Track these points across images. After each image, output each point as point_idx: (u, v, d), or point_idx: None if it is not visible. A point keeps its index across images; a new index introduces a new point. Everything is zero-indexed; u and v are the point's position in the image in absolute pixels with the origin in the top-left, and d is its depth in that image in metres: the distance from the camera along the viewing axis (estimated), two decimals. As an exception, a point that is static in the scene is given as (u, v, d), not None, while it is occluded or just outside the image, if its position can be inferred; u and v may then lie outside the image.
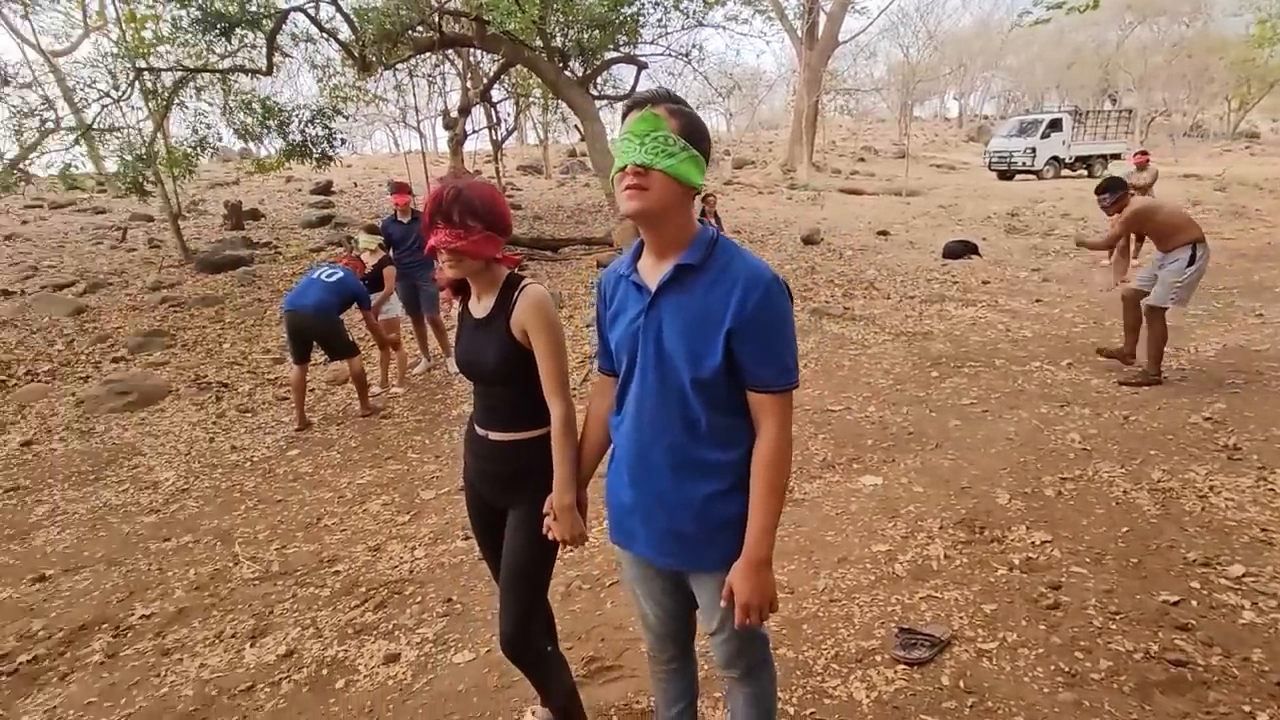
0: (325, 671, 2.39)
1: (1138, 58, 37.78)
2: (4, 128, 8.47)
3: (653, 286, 1.28)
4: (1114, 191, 4.74)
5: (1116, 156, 22.37)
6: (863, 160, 26.57)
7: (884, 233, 11.72)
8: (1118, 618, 2.31)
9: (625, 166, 1.21)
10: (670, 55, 12.27)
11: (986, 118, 47.87)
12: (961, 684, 2.06)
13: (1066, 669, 2.10)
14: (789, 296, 1.26)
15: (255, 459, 4.58)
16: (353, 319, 5.88)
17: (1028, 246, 10.53)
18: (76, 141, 8.68)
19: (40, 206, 12.84)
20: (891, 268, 9.16)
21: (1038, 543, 2.82)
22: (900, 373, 5.22)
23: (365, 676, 2.34)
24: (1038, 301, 7.20)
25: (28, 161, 8.75)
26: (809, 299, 7.58)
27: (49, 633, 2.76)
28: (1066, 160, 22.19)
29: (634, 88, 12.25)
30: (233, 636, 2.65)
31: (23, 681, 2.50)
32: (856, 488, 3.46)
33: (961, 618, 2.37)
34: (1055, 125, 21.89)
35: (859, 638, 2.31)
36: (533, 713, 1.96)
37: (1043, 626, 2.30)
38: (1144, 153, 9.54)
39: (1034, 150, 21.59)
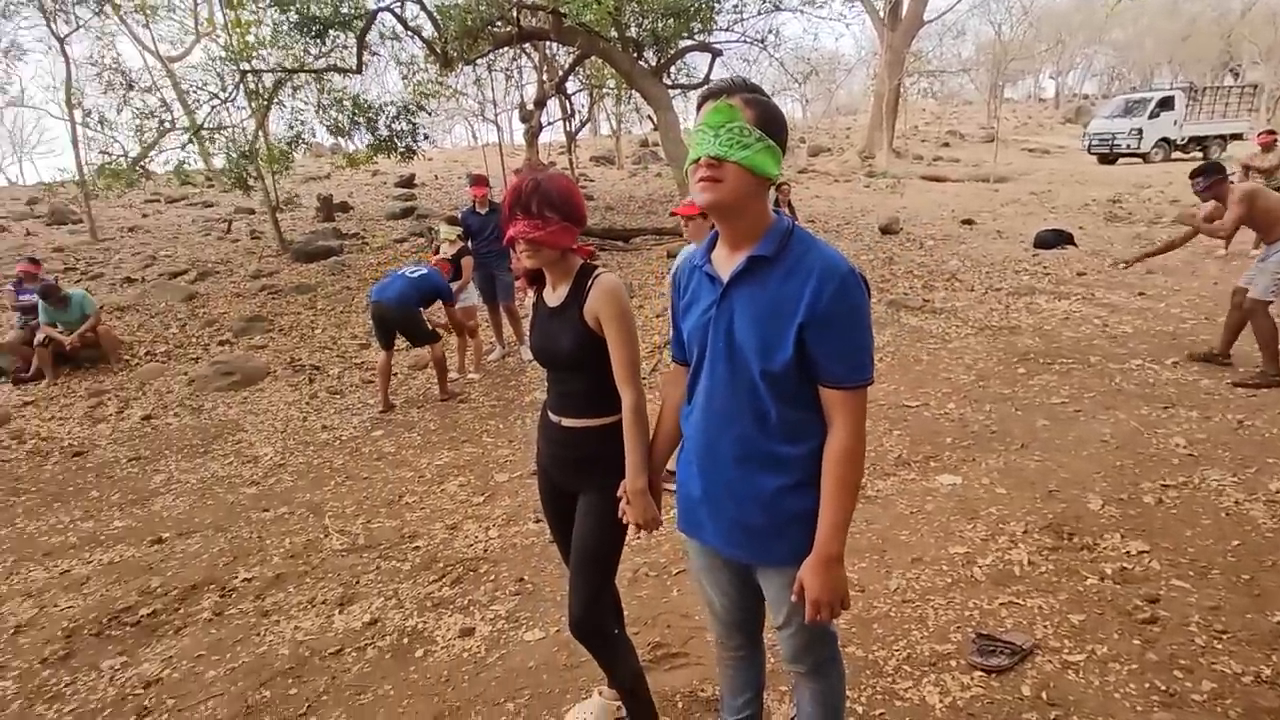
0: (406, 641, 2.52)
1: (1266, 26, 34.20)
2: (128, 128, 9.28)
3: (725, 278, 1.28)
4: (1209, 175, 4.37)
5: (1238, 137, 20.39)
6: (947, 145, 25.31)
7: (969, 221, 11.16)
8: (1224, 637, 2.14)
9: (699, 158, 1.21)
10: (745, 41, 12.04)
11: (1086, 97, 44.53)
12: (1044, 695, 1.97)
13: (1163, 688, 1.96)
14: (866, 290, 1.23)
15: (343, 438, 4.87)
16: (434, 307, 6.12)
17: (1130, 236, 9.78)
18: (190, 140, 9.40)
19: (158, 201, 14.02)
20: (976, 258, 8.71)
21: (1134, 552, 2.64)
22: (983, 369, 4.98)
23: (442, 648, 2.46)
24: (1140, 295, 6.69)
25: (148, 159, 9.55)
26: (886, 290, 7.33)
27: (165, 590, 3.04)
28: (1178, 141, 20.41)
29: (708, 75, 12.11)
30: (323, 603, 2.84)
31: (144, 632, 2.76)
32: (933, 487, 3.34)
33: (1045, 627, 2.26)
34: (1166, 104, 20.14)
35: (933, 640, 2.24)
36: (600, 693, 2.01)
37: (1137, 641, 2.16)
38: (1271, 132, 8.64)
39: (1140, 131, 19.95)
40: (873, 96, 23.41)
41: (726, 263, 1.30)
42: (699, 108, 1.27)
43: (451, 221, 6.22)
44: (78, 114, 10.65)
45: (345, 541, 3.36)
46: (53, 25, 10.67)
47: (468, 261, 5.94)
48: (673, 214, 3.60)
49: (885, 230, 10.39)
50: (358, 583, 2.96)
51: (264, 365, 6.34)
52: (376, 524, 3.53)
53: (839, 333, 1.19)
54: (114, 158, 9.11)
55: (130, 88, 9.82)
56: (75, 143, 10.83)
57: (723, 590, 1.49)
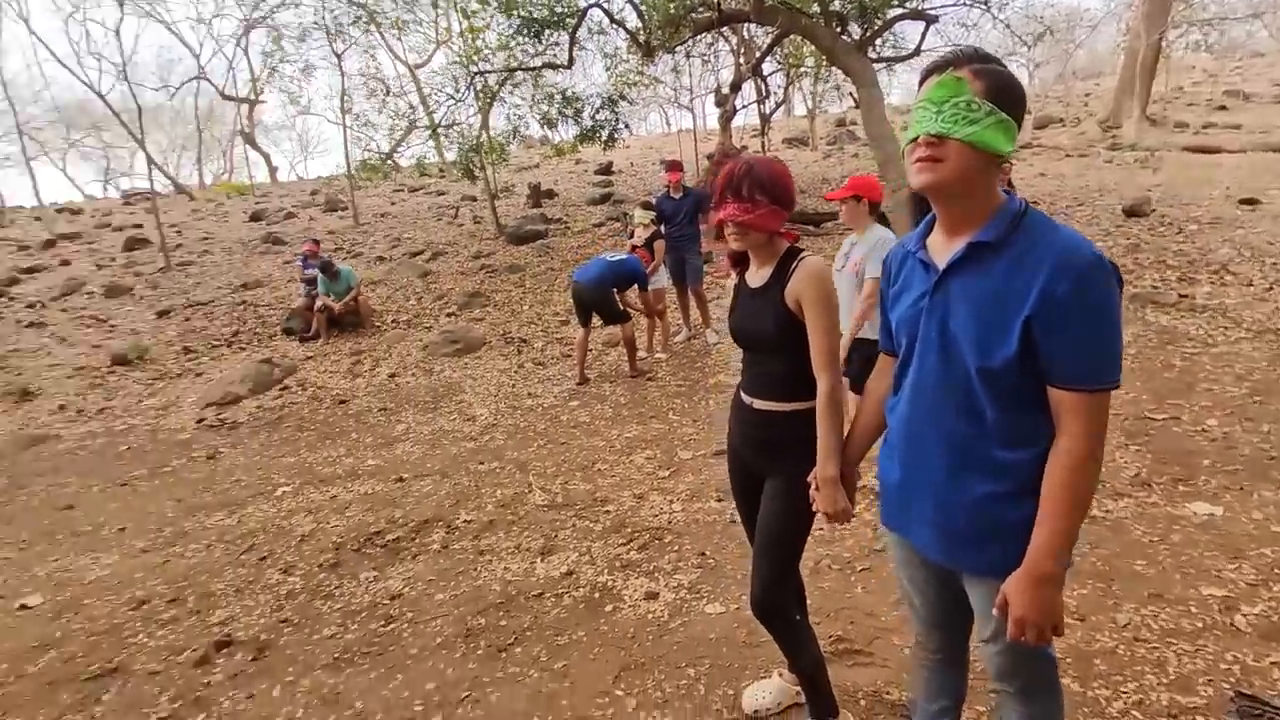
0: (597, 595, 2.75)
1: None
2: (384, 129, 10.91)
3: (941, 265, 1.21)
4: None
5: None
6: (1223, 109, 20.78)
7: (1250, 201, 9.12)
8: None
9: (917, 137, 1.15)
10: (965, 4, 10.88)
11: None
12: (1328, 779, 1.63)
13: None
14: (1118, 280, 1.10)
15: (545, 405, 5.35)
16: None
17: None
18: (430, 137, 10.78)
19: (402, 191, 16.28)
20: (1258, 246, 7.13)
21: None
22: (1261, 380, 4.11)
23: (629, 607, 2.64)
24: None
25: (396, 154, 11.14)
26: (1129, 283, 6.29)
27: (405, 521, 3.60)
28: None
29: (919, 46, 11.16)
30: (527, 550, 3.18)
31: (389, 554, 3.31)
32: (1182, 514, 2.85)
33: (1336, 699, 1.85)
34: None
35: (1174, 690, 1.94)
36: (780, 675, 2.03)
37: None
38: None
39: None
40: (1123, 55, 19.94)
41: (943, 249, 1.23)
42: (921, 83, 1.21)
43: (646, 206, 6.48)
44: (349, 118, 12.71)
45: (546, 498, 3.72)
46: (333, 45, 12.80)
47: (660, 245, 6.15)
48: (826, 198, 3.39)
49: (1131, 212, 8.87)
50: (556, 536, 3.27)
51: (481, 336, 7.15)
52: (572, 485, 3.85)
53: (1080, 328, 1.08)
54: (373, 155, 10.75)
55: (388, 93, 11.50)
56: (345, 143, 12.95)
57: (921, 589, 1.43)
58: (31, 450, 5.49)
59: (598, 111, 11.05)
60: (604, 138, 10.93)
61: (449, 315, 7.97)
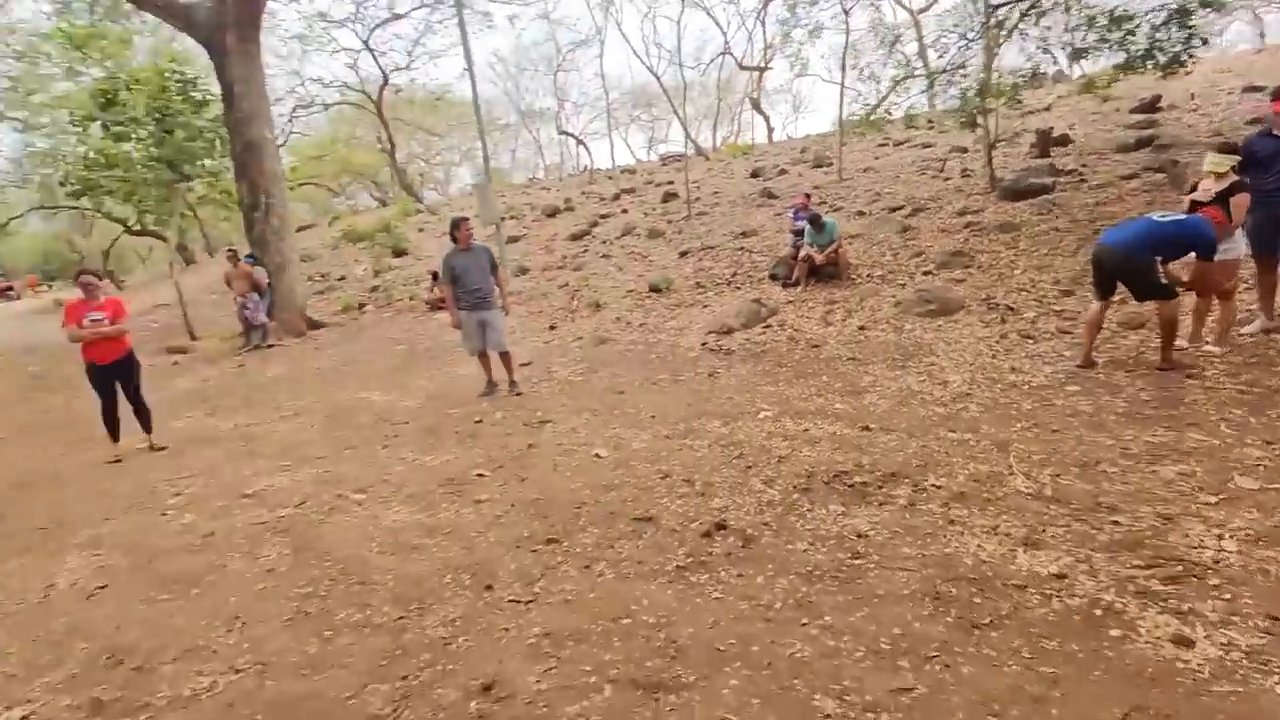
0: (1098, 613, 2.35)
1: None
2: (884, 79, 10.79)
3: None
4: None
5: None
6: None
7: None
8: None
9: None
10: None
11: None
12: None
13: None
14: None
15: (1032, 384, 4.71)
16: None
17: None
18: (930, 85, 10.21)
19: (886, 145, 15.95)
20: None
21: None
22: None
23: (1146, 642, 2.19)
24: None
25: (892, 105, 10.93)
26: None
27: (870, 470, 3.69)
28: None
29: None
30: (1006, 535, 2.91)
31: (855, 495, 3.46)
32: None
33: None
34: None
35: None
36: None
37: None
38: None
39: None
40: None
41: None
42: None
43: (1226, 150, 4.91)
44: (851, 75, 12.96)
45: (1031, 486, 3.31)
46: (843, 2, 13.05)
47: (1241, 199, 4.62)
48: None
49: None
50: (1044, 531, 2.90)
51: (960, 298, 6.64)
52: (1066, 481, 3.34)
53: None
54: (871, 107, 10.79)
55: (895, 41, 11.26)
56: (841, 98, 13.29)
57: None
58: (600, 347, 7.56)
59: (1158, 29, 8.65)
60: (1162, 63, 8.55)
61: (925, 274, 7.61)
